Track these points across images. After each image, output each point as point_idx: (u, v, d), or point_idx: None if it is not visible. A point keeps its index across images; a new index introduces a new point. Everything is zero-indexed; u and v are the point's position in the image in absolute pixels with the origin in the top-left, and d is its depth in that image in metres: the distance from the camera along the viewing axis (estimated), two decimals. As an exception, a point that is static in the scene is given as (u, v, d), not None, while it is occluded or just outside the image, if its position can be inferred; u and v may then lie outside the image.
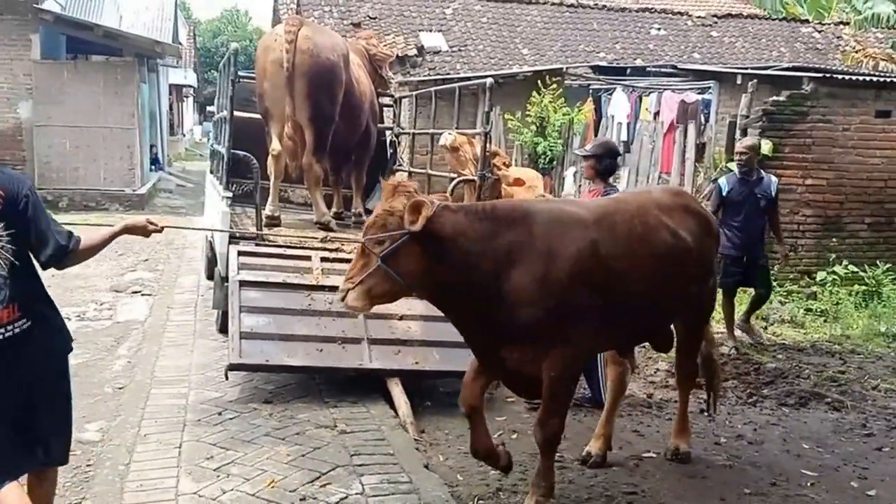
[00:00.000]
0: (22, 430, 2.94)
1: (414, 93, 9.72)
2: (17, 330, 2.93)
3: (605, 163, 5.32)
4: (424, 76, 14.44)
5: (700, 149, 9.84)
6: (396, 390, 5.23)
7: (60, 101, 15.38)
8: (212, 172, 8.12)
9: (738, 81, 11.51)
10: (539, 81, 12.27)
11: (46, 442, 3.04)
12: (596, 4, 18.47)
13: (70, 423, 3.19)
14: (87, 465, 4.34)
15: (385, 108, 8.82)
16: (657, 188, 6.09)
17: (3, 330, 2.89)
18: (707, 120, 11.96)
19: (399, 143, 8.94)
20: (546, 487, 3.82)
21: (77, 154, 15.62)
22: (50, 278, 8.35)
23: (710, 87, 12.62)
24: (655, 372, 6.51)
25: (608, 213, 3.97)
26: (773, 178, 7.26)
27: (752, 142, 7.38)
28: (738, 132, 9.33)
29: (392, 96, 9.15)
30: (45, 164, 15.50)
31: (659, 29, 17.87)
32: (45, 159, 15.51)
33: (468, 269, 3.53)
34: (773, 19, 18.90)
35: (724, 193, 7.07)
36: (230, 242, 5.92)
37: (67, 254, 3.08)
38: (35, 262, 3.06)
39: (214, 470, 4.16)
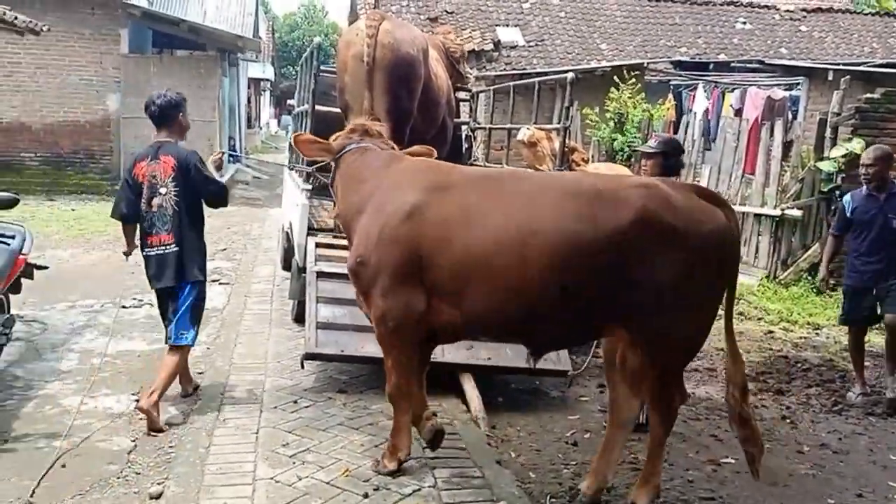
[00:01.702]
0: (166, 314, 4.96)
1: (491, 88, 9.69)
2: (168, 250, 4.82)
3: (669, 161, 5.10)
4: (501, 71, 14.38)
5: (787, 147, 9.50)
6: (468, 385, 5.22)
7: (146, 93, 15.53)
8: (290, 165, 8.25)
9: (830, 78, 11.10)
10: (618, 77, 12.07)
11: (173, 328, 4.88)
12: (678, -2, 18.05)
13: (189, 323, 4.87)
14: (170, 447, 4.46)
15: (461, 103, 8.80)
16: (617, 176, 4.98)
17: (162, 247, 4.83)
18: (794, 117, 11.56)
19: (475, 137, 8.92)
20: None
21: (133, 153, 16.05)
22: (134, 266, 8.72)
23: (798, 84, 12.19)
24: (734, 376, 6.33)
25: (462, 181, 3.89)
26: None
27: (881, 151, 6.06)
28: (828, 130, 9.00)
29: (469, 91, 9.13)
30: (131, 154, 15.94)
31: (744, 23, 17.36)
32: (130, 150, 15.88)
33: (344, 204, 4.23)
34: (865, 14, 18.18)
35: (848, 213, 6.08)
36: (308, 234, 6.04)
37: (219, 198, 4.99)
38: (198, 212, 4.92)
39: (290, 456, 4.22)
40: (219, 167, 5.35)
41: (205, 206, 5.01)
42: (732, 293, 3.83)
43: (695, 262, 3.47)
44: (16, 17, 9.94)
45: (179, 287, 4.86)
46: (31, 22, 10.54)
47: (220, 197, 4.99)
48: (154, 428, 4.62)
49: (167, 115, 4.98)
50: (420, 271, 3.74)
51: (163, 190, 4.81)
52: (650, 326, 3.52)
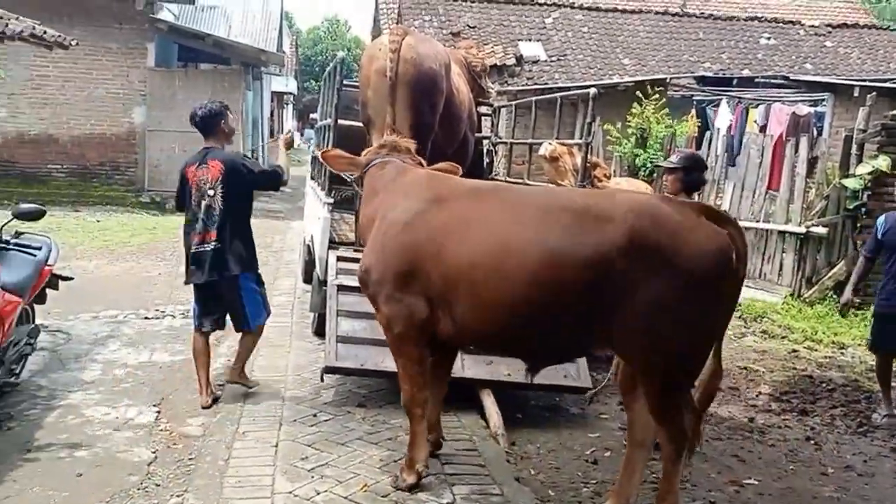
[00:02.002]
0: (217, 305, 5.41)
1: (513, 102, 9.69)
2: (209, 247, 5.17)
3: (692, 176, 5.07)
4: (523, 86, 14.40)
5: (812, 164, 9.41)
6: (488, 401, 5.19)
7: (171, 106, 16.08)
8: (312, 178, 8.30)
9: (855, 94, 10.99)
10: (640, 92, 12.04)
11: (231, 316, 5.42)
12: (702, 13, 18.00)
13: (259, 309, 5.41)
14: (190, 459, 4.48)
15: (483, 118, 8.81)
16: (614, 193, 4.87)
17: (206, 245, 5.17)
18: (819, 134, 11.45)
19: (496, 152, 8.92)
20: None
21: (184, 158, 16.22)
22: (157, 277, 8.80)
23: (823, 100, 12.09)
24: (758, 395, 6.26)
25: (459, 194, 3.96)
26: None
27: None
28: (854, 147, 8.91)
29: (491, 105, 9.14)
30: (156, 167, 16.21)
31: (769, 38, 17.27)
32: (155, 162, 16.23)
33: (362, 216, 4.47)
34: (892, 30, 18.00)
35: (879, 235, 5.81)
36: (329, 247, 6.06)
37: (277, 182, 5.46)
38: (244, 212, 5.32)
39: (309, 470, 4.22)
40: (289, 146, 5.89)
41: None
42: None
43: (686, 284, 3.35)
44: (45, 32, 10.09)
45: (227, 281, 5.26)
46: (59, 36, 10.71)
47: (277, 180, 5.44)
48: (248, 385, 5.45)
49: (209, 124, 5.39)
50: (419, 279, 3.84)
51: (210, 192, 5.18)
52: (638, 347, 3.49)
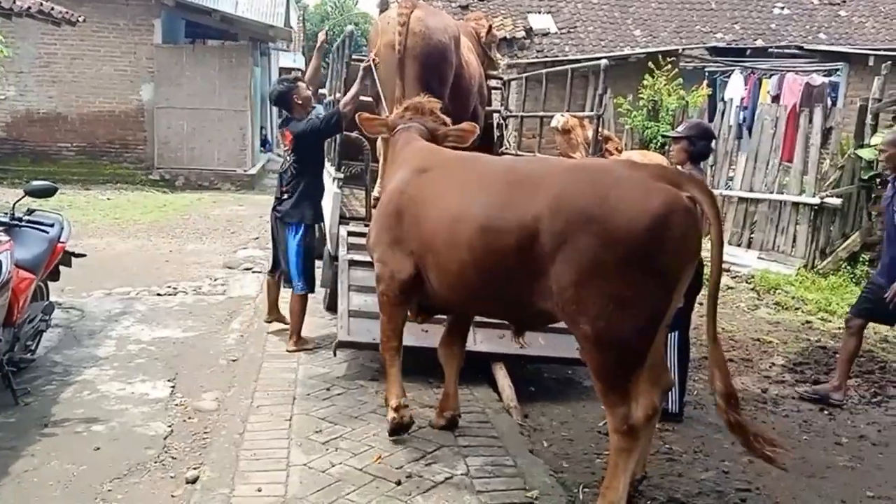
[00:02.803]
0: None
1: (523, 75, 9.62)
2: (284, 199, 5.96)
3: (698, 146, 5.01)
4: (532, 58, 14.26)
5: (826, 134, 9.30)
6: (500, 374, 5.21)
7: (179, 83, 16.05)
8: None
9: (870, 63, 10.85)
10: (652, 63, 11.90)
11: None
12: (714, -17, 17.71)
13: (297, 273, 5.91)
14: (205, 433, 4.51)
15: (493, 91, 8.74)
16: (566, 161, 4.87)
17: (281, 198, 5.98)
18: (834, 104, 11.33)
19: (506, 125, 8.86)
20: None
21: (193, 135, 16.29)
22: (168, 254, 8.90)
23: (837, 70, 11.94)
24: (770, 366, 6.25)
25: (441, 164, 4.17)
26: None
27: (893, 136, 5.66)
28: (869, 117, 8.80)
29: (501, 79, 9.06)
30: (164, 144, 16.23)
31: (782, 8, 16.99)
32: (163, 140, 16.24)
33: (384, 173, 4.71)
34: (908, -3, 17.66)
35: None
36: (340, 223, 6.05)
37: (337, 127, 5.91)
38: (312, 173, 5.96)
39: (323, 443, 4.25)
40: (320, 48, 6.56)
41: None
42: (712, 293, 3.41)
43: (615, 245, 3.13)
44: (52, 8, 10.06)
45: (288, 228, 5.94)
46: (66, 12, 10.67)
47: (336, 125, 5.88)
48: (306, 347, 5.92)
49: (282, 100, 6.06)
50: (405, 243, 4.12)
51: (286, 156, 6.06)
52: (575, 319, 3.31)
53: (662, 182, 3.23)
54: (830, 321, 7.57)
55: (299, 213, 5.90)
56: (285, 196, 5.96)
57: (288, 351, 5.85)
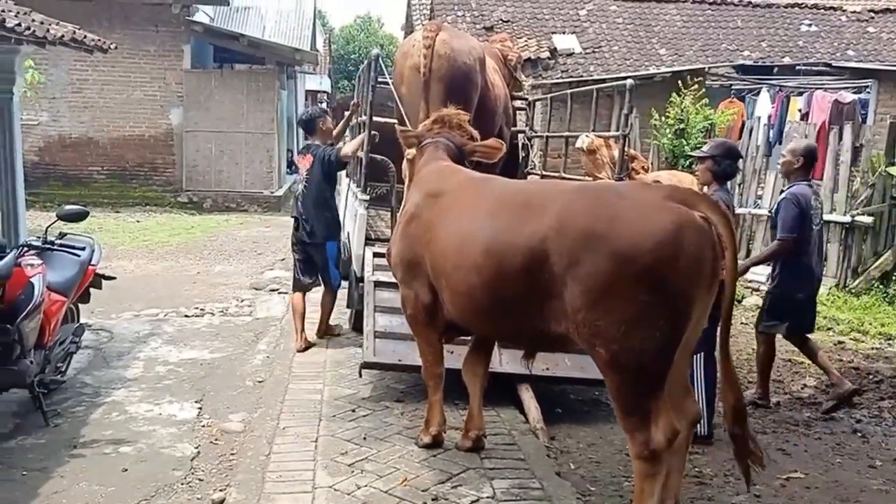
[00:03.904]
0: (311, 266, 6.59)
1: (548, 95, 9.62)
2: (301, 219, 6.48)
3: (722, 165, 4.96)
4: (557, 78, 14.28)
5: (856, 152, 9.18)
6: (527, 395, 5.17)
7: (207, 107, 16.28)
8: (348, 176, 8.32)
9: (900, 80, 10.72)
10: (678, 82, 11.86)
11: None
12: (741, 1, 17.67)
13: (335, 270, 6.54)
14: (231, 454, 4.53)
15: (518, 111, 8.75)
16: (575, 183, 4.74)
17: (299, 216, 6.51)
18: (864, 121, 11.19)
19: (532, 145, 8.87)
20: None
21: (221, 158, 16.49)
22: (196, 276, 9.00)
23: (867, 87, 11.80)
24: (802, 388, 6.14)
25: (454, 188, 4.13)
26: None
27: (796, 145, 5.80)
28: (900, 133, 8.69)
29: (526, 99, 9.08)
30: (193, 167, 16.44)
31: (810, 25, 16.88)
32: (192, 163, 16.46)
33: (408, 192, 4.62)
34: (937, 13, 17.47)
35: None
36: (366, 244, 6.08)
37: (338, 164, 6.54)
38: (326, 194, 6.50)
39: (349, 465, 4.23)
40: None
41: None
42: (726, 312, 3.36)
43: (623, 266, 3.09)
44: (85, 36, 10.24)
45: (318, 244, 6.49)
46: (98, 40, 10.86)
47: (338, 163, 6.50)
48: (333, 333, 6.72)
49: (309, 126, 6.71)
50: (421, 267, 4.17)
51: (305, 178, 6.50)
52: (590, 342, 3.26)
53: (673, 202, 3.19)
54: (863, 341, 7.44)
55: (323, 232, 6.45)
56: (304, 217, 6.47)
57: (318, 337, 6.57)
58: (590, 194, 3.47)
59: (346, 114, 7.58)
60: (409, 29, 21.27)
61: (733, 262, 3.25)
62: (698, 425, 4.57)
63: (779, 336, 5.65)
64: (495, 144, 4.73)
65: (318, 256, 6.54)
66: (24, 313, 4.46)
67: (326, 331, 6.71)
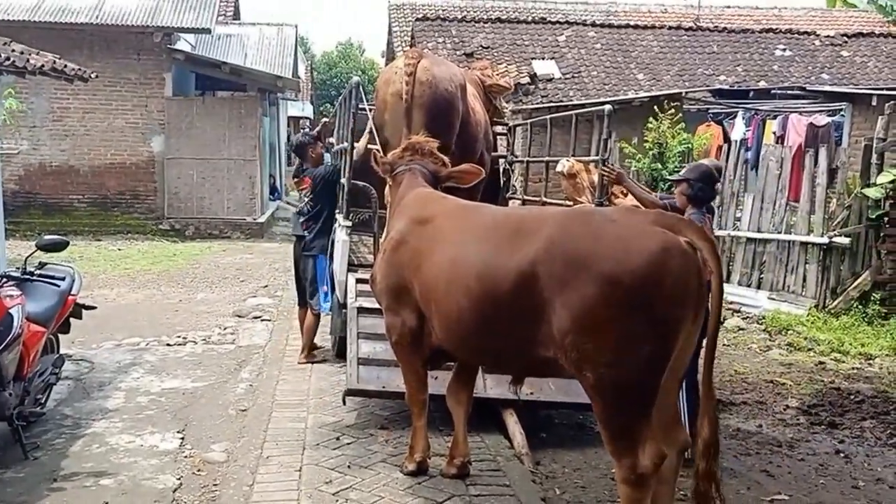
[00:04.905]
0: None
1: (528, 121, 9.71)
2: (304, 233, 6.89)
3: (696, 187, 4.98)
4: (537, 104, 14.42)
5: (832, 174, 9.32)
6: (511, 420, 5.16)
7: (189, 134, 16.28)
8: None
9: (873, 103, 10.91)
10: (656, 107, 12.01)
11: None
12: (716, 27, 17.94)
13: (317, 284, 6.83)
14: (214, 485, 4.48)
15: (498, 137, 8.82)
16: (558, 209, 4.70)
17: (303, 232, 6.92)
18: (839, 143, 11.36)
19: (512, 171, 8.93)
20: None
21: (203, 185, 16.47)
22: (178, 304, 9.01)
23: (841, 110, 12.00)
24: (785, 409, 6.17)
25: (440, 214, 4.16)
26: None
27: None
28: (874, 156, 8.83)
29: (506, 125, 9.15)
30: (174, 194, 16.39)
31: (784, 50, 17.19)
32: (174, 190, 16.42)
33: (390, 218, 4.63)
34: (908, 37, 17.83)
35: None
36: (349, 270, 6.07)
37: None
38: (325, 213, 6.85)
39: (333, 494, 4.20)
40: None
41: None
42: (710, 340, 3.37)
43: (610, 291, 3.13)
44: (65, 66, 10.25)
45: (312, 259, 6.84)
46: (79, 69, 10.88)
47: (338, 177, 6.83)
48: (317, 357, 6.91)
49: (301, 150, 7.26)
50: (409, 294, 4.18)
51: (305, 198, 7.01)
52: (577, 366, 3.27)
53: (660, 226, 3.25)
54: (844, 361, 7.50)
55: (320, 244, 6.81)
56: (306, 232, 6.91)
57: (300, 363, 6.75)
58: (579, 218, 3.54)
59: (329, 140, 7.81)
60: (390, 55, 21.43)
61: (719, 289, 3.29)
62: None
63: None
64: (469, 169, 4.79)
65: (309, 267, 6.84)
66: (2, 345, 4.42)
67: (307, 357, 6.84)
